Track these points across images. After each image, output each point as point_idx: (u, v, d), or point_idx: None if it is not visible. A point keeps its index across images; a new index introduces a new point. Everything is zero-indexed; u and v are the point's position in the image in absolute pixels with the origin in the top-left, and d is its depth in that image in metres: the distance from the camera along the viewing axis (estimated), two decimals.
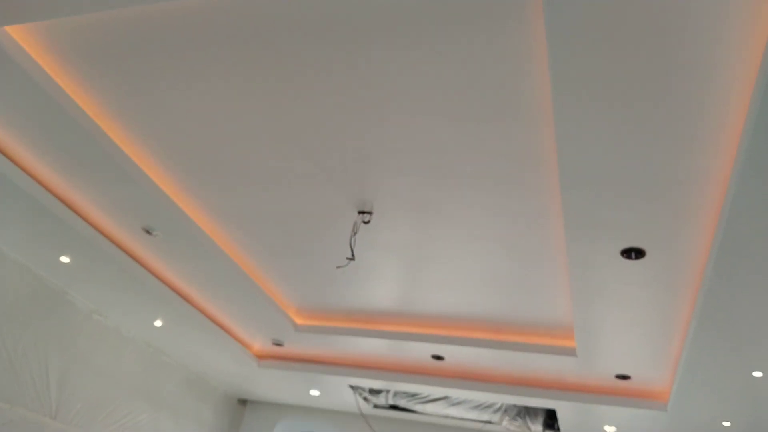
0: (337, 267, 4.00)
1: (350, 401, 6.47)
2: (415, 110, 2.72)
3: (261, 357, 6.04)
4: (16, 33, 2.68)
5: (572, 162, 2.55)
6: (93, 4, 2.32)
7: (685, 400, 4.49)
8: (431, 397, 5.76)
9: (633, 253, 3.10)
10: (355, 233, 3.54)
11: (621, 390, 4.90)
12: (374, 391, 6.02)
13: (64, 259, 4.37)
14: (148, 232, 3.96)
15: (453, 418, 6.06)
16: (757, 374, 3.81)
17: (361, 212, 3.50)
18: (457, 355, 4.96)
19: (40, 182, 3.65)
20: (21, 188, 3.55)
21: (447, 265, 3.97)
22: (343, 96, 2.70)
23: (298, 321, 5.28)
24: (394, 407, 6.25)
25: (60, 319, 4.94)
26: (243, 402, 7.45)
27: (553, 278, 3.82)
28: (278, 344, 5.62)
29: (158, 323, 5.30)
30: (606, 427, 5.47)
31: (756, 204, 2.43)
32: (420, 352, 5.07)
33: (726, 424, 4.76)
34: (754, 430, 4.82)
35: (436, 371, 5.39)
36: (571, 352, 4.48)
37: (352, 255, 3.59)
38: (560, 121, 2.36)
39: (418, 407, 5.92)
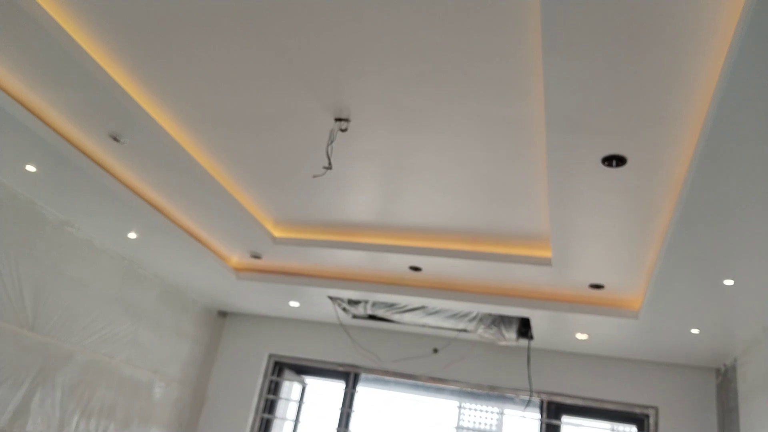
0: (314, 176, 3.91)
1: (329, 312, 6.56)
2: (394, 11, 2.55)
3: (239, 269, 6.04)
4: None
5: (558, 64, 2.43)
6: None
7: (656, 308, 4.60)
8: (408, 307, 5.85)
9: (614, 160, 3.04)
10: (332, 141, 3.43)
11: (594, 299, 5.01)
12: (353, 302, 6.10)
13: (30, 168, 4.21)
14: (115, 139, 3.80)
15: (429, 326, 6.20)
16: (728, 282, 3.88)
17: (338, 119, 3.38)
18: (434, 266, 5.00)
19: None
20: None
21: (426, 174, 3.90)
22: None
23: (276, 233, 5.24)
24: (372, 317, 6.37)
25: (30, 230, 4.83)
26: (223, 314, 7.53)
27: (532, 188, 3.78)
28: (256, 257, 5.60)
29: (132, 235, 5.22)
30: (578, 335, 5.64)
31: (740, 111, 2.36)
32: (398, 263, 5.09)
33: (694, 331, 4.92)
34: (721, 337, 4.99)
35: (414, 282, 5.45)
36: (546, 262, 4.52)
37: (329, 164, 3.49)
38: (546, 17, 2.22)
39: (395, 317, 6.02)
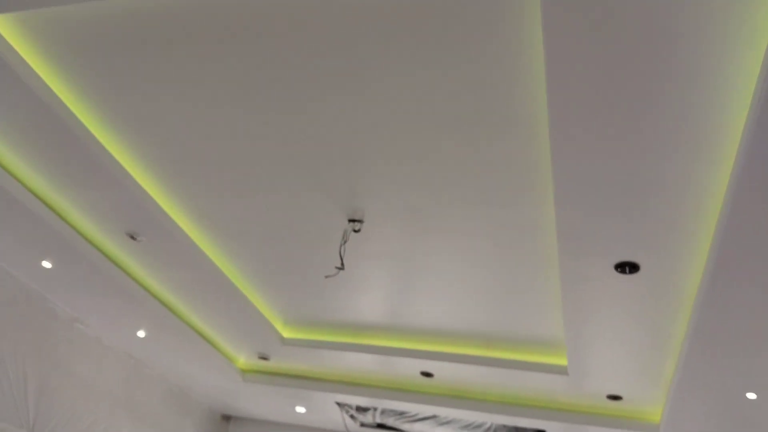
0: (326, 276, 3.91)
1: (337, 419, 6.33)
2: (408, 117, 2.66)
3: (246, 371, 5.90)
4: (2, 23, 2.62)
5: (566, 174, 2.49)
6: None
7: (678, 422, 4.39)
8: (420, 416, 5.63)
9: (627, 267, 3.04)
10: (344, 242, 3.46)
11: (612, 411, 4.81)
12: (361, 409, 5.89)
13: (46, 264, 4.26)
14: (132, 237, 3.87)
15: None
16: (751, 396, 3.73)
17: (352, 220, 3.43)
18: (446, 372, 4.86)
19: (21, 182, 3.56)
20: (2, 188, 3.45)
21: (438, 277, 3.89)
22: (335, 101, 2.65)
23: (285, 334, 5.17)
24: (381, 426, 6.12)
25: (40, 327, 4.81)
26: (227, 418, 7.28)
27: (545, 293, 3.75)
28: (264, 358, 5.49)
29: (141, 334, 5.17)
30: None
31: (753, 217, 2.38)
32: (409, 368, 4.96)
33: None
34: None
35: (425, 388, 5.28)
36: (562, 371, 4.39)
37: (342, 264, 3.50)
38: (555, 131, 2.31)
39: (405, 426, 5.79)
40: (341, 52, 2.40)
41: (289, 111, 2.77)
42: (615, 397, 4.56)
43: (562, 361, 4.42)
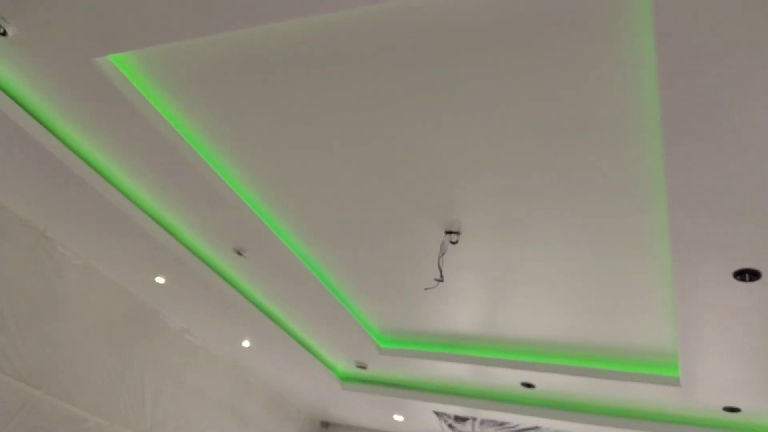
0: (426, 289, 3.93)
1: (435, 428, 6.32)
2: (506, 127, 2.63)
3: (344, 379, 6.01)
4: (118, 61, 2.81)
5: (681, 180, 2.38)
6: (193, 30, 2.39)
7: None
8: (521, 427, 5.53)
9: (747, 274, 2.86)
10: (443, 253, 3.46)
11: (730, 423, 4.53)
12: (460, 419, 5.86)
13: (160, 280, 4.52)
14: (239, 252, 4.04)
15: None
16: None
17: (449, 232, 3.43)
18: (548, 383, 4.75)
19: (136, 203, 3.80)
20: (120, 210, 3.69)
21: (537, 285, 3.81)
22: (433, 113, 2.65)
23: (382, 344, 5.23)
24: None
25: (154, 339, 5.11)
26: (325, 425, 7.44)
27: (653, 302, 3.59)
28: (362, 367, 5.58)
29: (246, 343, 5.39)
30: None
31: None
32: (508, 378, 4.89)
33: None
34: None
35: (527, 399, 5.18)
36: (673, 382, 4.18)
37: (441, 276, 3.51)
38: (669, 138, 2.21)
39: None
40: (439, 64, 2.40)
41: (387, 125, 2.80)
42: (732, 409, 4.29)
43: (673, 372, 4.21)
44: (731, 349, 3.52)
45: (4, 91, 3.07)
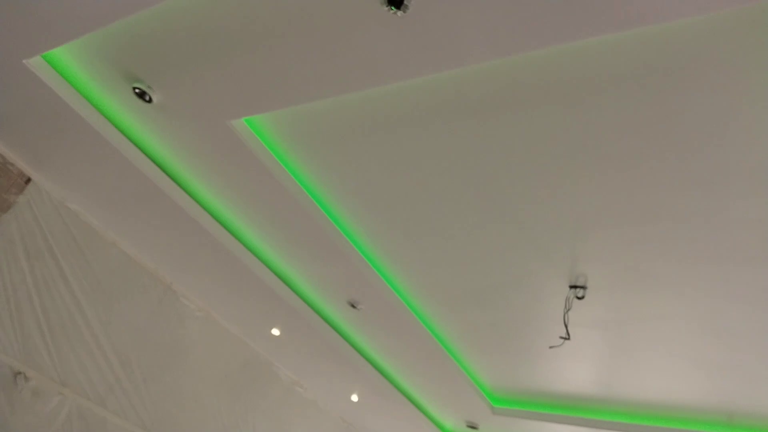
0: (550, 347, 3.75)
1: None
2: (642, 175, 2.50)
3: None
4: (250, 122, 2.96)
5: None
6: (320, 92, 2.47)
7: None
8: None
9: None
10: (568, 309, 3.30)
11: None
12: None
13: (275, 332, 4.61)
14: (353, 306, 4.05)
15: None
16: None
17: (573, 286, 3.28)
18: None
19: (259, 257, 3.92)
20: (243, 263, 3.82)
21: (668, 344, 3.53)
22: (561, 164, 2.57)
23: (495, 403, 5.03)
24: None
25: (267, 390, 5.18)
26: None
27: None
28: (472, 426, 5.37)
29: (355, 398, 5.35)
30: None
31: None
32: None
33: None
34: None
35: None
36: None
37: (567, 334, 3.34)
38: None
39: None
40: (574, 114, 2.33)
41: (514, 178, 2.74)
42: None
43: None
44: None
45: (144, 152, 3.29)
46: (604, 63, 2.08)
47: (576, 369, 4.15)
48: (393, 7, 2.01)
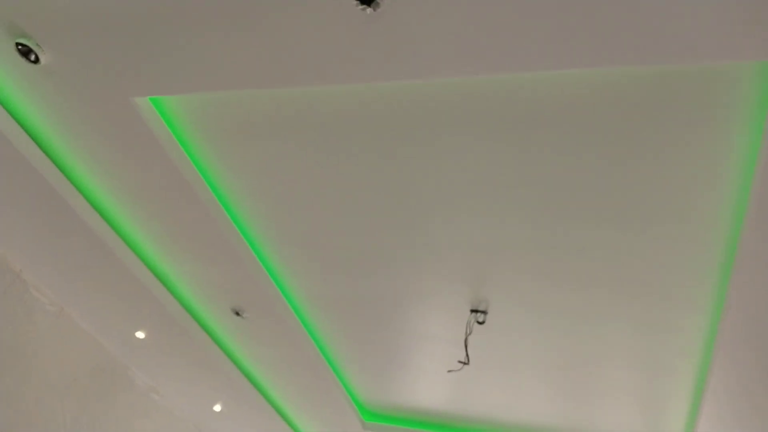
0: (449, 371, 3.72)
1: None
2: (553, 202, 2.51)
3: None
4: (156, 102, 2.60)
5: (746, 281, 2.32)
6: (238, 83, 2.22)
7: None
8: None
9: None
10: (469, 333, 3.29)
11: None
12: None
13: (140, 335, 4.15)
14: (237, 313, 3.75)
15: None
16: None
17: (475, 311, 3.27)
18: None
19: (138, 254, 3.50)
20: (120, 260, 3.38)
21: (541, 371, 3.67)
22: (470, 186, 2.52)
23: (366, 419, 4.94)
24: None
25: (118, 397, 4.66)
26: None
27: (674, 398, 3.50)
28: None
29: (218, 408, 4.99)
30: None
31: None
32: None
33: None
34: None
35: None
36: None
37: (467, 358, 3.32)
38: (748, 238, 2.16)
39: None
40: (477, 140, 2.29)
41: (421, 200, 2.65)
42: None
43: None
44: None
45: (12, 115, 2.77)
46: (543, 95, 2.05)
47: (455, 390, 4.18)
48: (363, 4, 1.82)
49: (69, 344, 4.18)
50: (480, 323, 3.27)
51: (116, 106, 2.51)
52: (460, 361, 3.42)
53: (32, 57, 2.40)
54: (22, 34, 2.32)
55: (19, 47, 2.36)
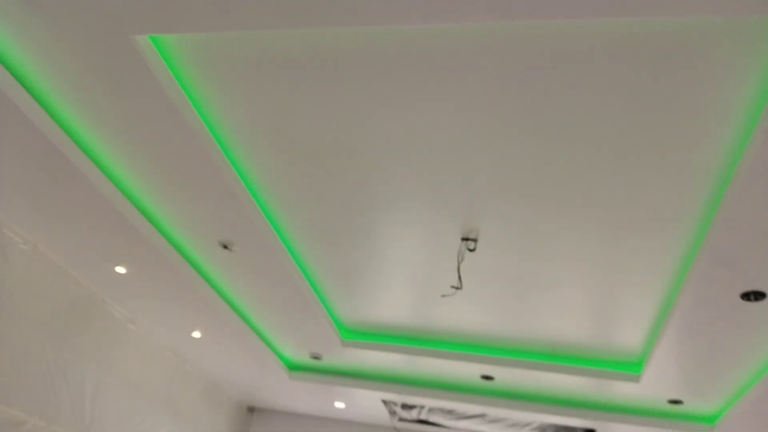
0: (442, 296, 3.89)
1: (377, 414, 6.36)
2: (545, 142, 2.59)
3: (293, 369, 5.85)
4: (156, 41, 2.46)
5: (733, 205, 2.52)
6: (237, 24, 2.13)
7: (734, 425, 4.60)
8: (468, 414, 5.72)
9: (753, 295, 3.12)
10: (461, 260, 3.43)
11: (669, 412, 4.98)
12: (407, 406, 5.93)
13: (120, 270, 4.09)
14: (225, 246, 3.74)
15: None
16: None
17: (465, 239, 3.40)
18: (508, 376, 4.92)
19: (123, 191, 3.39)
20: (105, 196, 3.27)
21: (540, 291, 3.90)
22: (473, 123, 2.57)
23: (345, 336, 5.13)
24: (422, 422, 6.18)
25: (97, 330, 4.64)
26: (251, 410, 7.23)
27: (641, 311, 3.80)
28: (316, 357, 5.45)
29: (197, 334, 5.05)
30: None
31: None
32: (470, 372, 5.00)
33: None
34: None
35: (484, 390, 5.34)
36: (633, 378, 4.51)
37: (460, 283, 3.48)
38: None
39: (450, 423, 5.87)
40: (492, 84, 2.32)
41: (416, 132, 2.68)
42: (676, 402, 4.72)
43: (634, 370, 4.53)
44: (699, 355, 3.84)
45: None
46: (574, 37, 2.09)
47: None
48: None
49: (45, 282, 4.08)
50: (471, 250, 3.40)
51: (114, 42, 2.35)
52: (452, 286, 3.59)
53: None
54: None
55: None
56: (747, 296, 3.13)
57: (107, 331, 4.75)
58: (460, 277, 3.48)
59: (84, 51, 2.44)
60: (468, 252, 3.44)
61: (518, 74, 2.27)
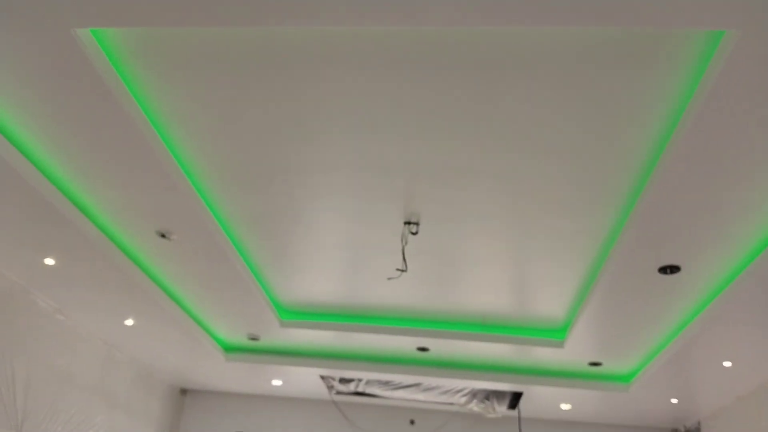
0: (389, 278, 3.98)
1: (314, 389, 6.46)
2: (481, 128, 2.72)
3: (229, 350, 5.83)
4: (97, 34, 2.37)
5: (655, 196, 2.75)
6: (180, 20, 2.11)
7: (647, 383, 5.04)
8: (403, 384, 5.92)
9: (669, 269, 3.42)
10: (405, 243, 3.54)
11: (589, 374, 5.37)
12: (345, 380, 6.07)
13: (49, 261, 3.93)
14: (163, 235, 3.67)
15: (419, 401, 6.28)
16: (727, 364, 4.38)
17: (408, 222, 3.51)
18: (442, 347, 5.14)
19: (52, 180, 3.25)
20: (31, 186, 3.13)
21: (463, 264, 4.07)
22: (406, 117, 2.67)
23: (283, 317, 5.17)
24: (358, 394, 6.34)
25: (24, 322, 4.45)
26: (184, 391, 7.16)
27: (565, 283, 4.06)
28: (254, 338, 5.46)
29: (129, 322, 4.94)
30: (562, 405, 5.98)
31: None
32: (405, 344, 5.18)
33: (674, 401, 5.42)
34: (691, 405, 5.54)
35: (419, 360, 5.54)
36: (558, 344, 4.83)
37: (405, 266, 3.59)
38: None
39: (387, 393, 6.07)
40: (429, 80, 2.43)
41: (363, 125, 2.75)
42: (596, 364, 5.11)
43: (558, 336, 4.86)
44: (619, 322, 4.18)
45: None
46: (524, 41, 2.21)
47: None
48: None
49: None
50: (414, 234, 3.52)
51: (55, 36, 2.25)
52: (398, 269, 3.70)
53: None
54: None
55: None
56: (664, 270, 3.43)
57: (34, 323, 4.56)
58: (404, 260, 3.59)
59: (20, 39, 2.32)
60: (411, 235, 3.56)
61: (459, 77, 2.36)
